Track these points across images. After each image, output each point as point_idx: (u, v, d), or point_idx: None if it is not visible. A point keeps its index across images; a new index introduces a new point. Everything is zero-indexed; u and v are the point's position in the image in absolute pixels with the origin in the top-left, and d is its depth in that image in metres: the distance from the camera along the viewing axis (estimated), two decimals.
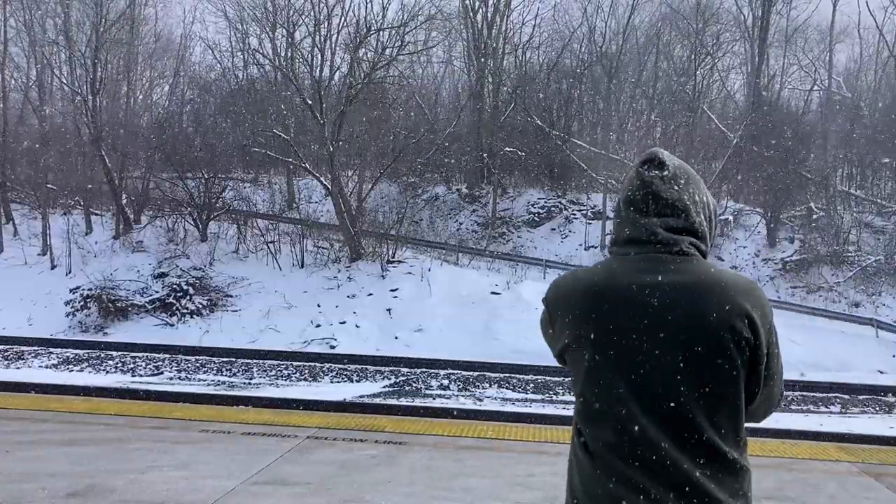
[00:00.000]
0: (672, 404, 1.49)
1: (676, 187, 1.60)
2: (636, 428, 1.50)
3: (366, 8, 47.52)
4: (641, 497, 1.47)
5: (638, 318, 1.52)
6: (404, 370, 15.72)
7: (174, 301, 21.66)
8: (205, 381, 14.88)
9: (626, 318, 1.52)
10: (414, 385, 14.48)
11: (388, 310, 20.71)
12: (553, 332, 1.67)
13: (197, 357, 16.98)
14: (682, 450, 1.49)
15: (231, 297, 22.41)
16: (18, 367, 15.91)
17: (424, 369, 15.67)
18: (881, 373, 18.12)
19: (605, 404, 1.54)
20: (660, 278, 1.53)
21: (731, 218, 27.56)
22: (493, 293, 19.87)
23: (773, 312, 1.61)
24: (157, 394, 11.26)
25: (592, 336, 1.54)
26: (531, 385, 14.71)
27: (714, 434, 1.50)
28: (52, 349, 17.50)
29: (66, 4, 29.50)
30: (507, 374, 15.23)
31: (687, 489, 1.47)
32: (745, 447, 1.58)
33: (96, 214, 27.86)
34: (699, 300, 1.51)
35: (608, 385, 1.53)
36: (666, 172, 1.61)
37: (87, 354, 17.00)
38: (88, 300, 21.44)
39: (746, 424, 1.59)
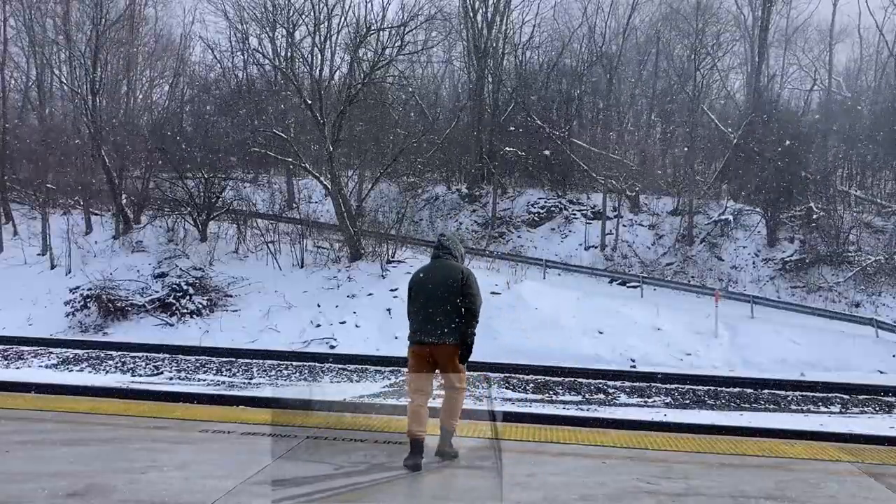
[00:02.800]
0: (440, 303, 5.20)
1: (446, 240, 5.52)
2: (428, 310, 5.22)
3: (366, 8, 47.48)
4: (426, 329, 5.21)
5: (430, 279, 5.34)
6: (404, 370, 15.63)
7: (174, 301, 21.64)
8: (205, 381, 14.87)
9: (427, 280, 5.34)
10: None
11: (388, 310, 20.70)
12: (409, 291, 5.40)
13: (197, 357, 16.97)
14: (442, 316, 5.18)
15: (231, 297, 22.39)
16: (18, 367, 15.92)
17: None
18: (881, 373, 18.11)
19: (418, 307, 5.29)
20: (436, 265, 5.43)
21: (730, 218, 27.51)
22: (492, 293, 19.81)
23: (474, 277, 5.33)
24: (157, 394, 11.27)
25: (416, 289, 5.35)
26: (531, 385, 14.70)
27: (452, 312, 5.19)
28: (52, 349, 17.49)
29: (66, 4, 29.49)
30: (507, 374, 15.19)
31: (441, 326, 5.17)
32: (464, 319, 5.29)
33: (96, 214, 27.84)
34: (447, 272, 5.32)
35: (419, 301, 5.29)
36: (444, 237, 5.56)
37: (87, 354, 16.99)
38: (88, 300, 21.42)
39: (473, 326, 5.28)
